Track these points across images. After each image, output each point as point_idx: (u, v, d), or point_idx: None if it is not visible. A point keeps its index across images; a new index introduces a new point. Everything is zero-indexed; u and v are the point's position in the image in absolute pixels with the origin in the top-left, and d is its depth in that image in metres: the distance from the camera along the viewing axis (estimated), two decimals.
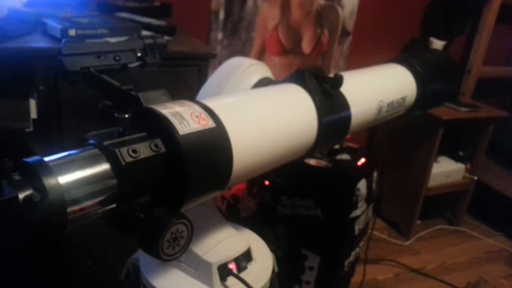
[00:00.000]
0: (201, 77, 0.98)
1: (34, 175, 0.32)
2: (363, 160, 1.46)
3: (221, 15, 1.61)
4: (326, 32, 1.90)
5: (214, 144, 0.42)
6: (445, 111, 1.97)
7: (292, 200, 1.44)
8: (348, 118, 0.63)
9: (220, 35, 1.64)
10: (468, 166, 2.26)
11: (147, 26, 1.02)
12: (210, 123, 0.43)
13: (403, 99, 0.80)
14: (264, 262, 0.59)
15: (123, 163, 0.36)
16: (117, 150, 0.36)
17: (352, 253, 1.55)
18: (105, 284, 1.07)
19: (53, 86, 0.84)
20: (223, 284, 0.52)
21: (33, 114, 0.79)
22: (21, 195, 0.31)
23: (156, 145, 0.39)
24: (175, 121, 0.40)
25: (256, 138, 0.48)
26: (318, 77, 0.59)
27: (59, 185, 0.33)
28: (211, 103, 0.46)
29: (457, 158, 2.27)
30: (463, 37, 2.33)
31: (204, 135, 0.41)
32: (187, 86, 0.95)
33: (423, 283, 1.88)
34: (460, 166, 2.23)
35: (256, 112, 0.50)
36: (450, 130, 1.99)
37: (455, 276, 1.93)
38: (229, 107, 0.47)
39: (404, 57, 0.88)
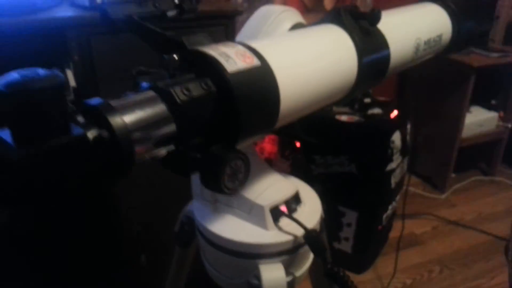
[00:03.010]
0: (228, 35, 0.98)
1: (99, 115, 0.33)
2: (395, 112, 1.44)
3: None
4: None
5: (261, 82, 0.42)
6: (476, 58, 1.90)
7: (326, 158, 1.44)
8: (387, 56, 0.62)
9: None
10: (501, 114, 2.19)
11: None
12: (256, 61, 0.43)
13: (439, 37, 0.78)
14: (312, 204, 0.60)
15: (179, 101, 0.37)
16: (172, 90, 0.37)
17: (390, 207, 1.55)
18: (152, 249, 1.11)
19: (87, 55, 0.86)
20: (276, 225, 0.54)
21: (72, 82, 0.81)
22: (90, 134, 0.33)
23: (206, 84, 0.39)
24: (222, 60, 0.40)
25: (300, 76, 0.48)
26: (354, 14, 0.58)
27: (125, 124, 0.34)
28: (253, 44, 0.46)
29: (489, 107, 2.21)
30: None
31: (251, 72, 0.41)
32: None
33: (461, 234, 1.87)
34: (493, 115, 2.17)
35: (298, 51, 0.49)
36: (481, 78, 1.93)
37: (493, 225, 1.91)
38: (271, 47, 0.47)
39: None
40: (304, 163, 1.49)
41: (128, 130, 0.34)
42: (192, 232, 0.63)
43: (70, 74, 0.82)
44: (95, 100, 0.35)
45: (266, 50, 0.45)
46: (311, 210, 0.58)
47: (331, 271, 0.51)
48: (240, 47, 0.43)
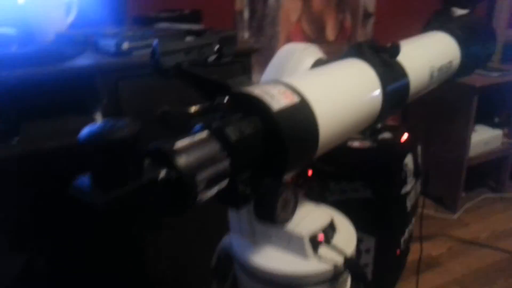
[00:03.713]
0: (246, 71, 1.02)
1: (165, 157, 0.36)
2: (406, 135, 1.47)
3: (246, 14, 1.65)
4: (348, 16, 1.91)
5: (303, 117, 0.45)
6: (477, 78, 1.95)
7: (340, 185, 1.45)
8: (407, 85, 0.65)
9: (246, 34, 1.68)
10: (506, 131, 2.23)
11: (188, 32, 1.07)
12: (296, 98, 0.46)
13: (450, 63, 0.82)
14: (347, 231, 0.61)
15: (233, 140, 0.39)
16: (226, 130, 0.40)
17: (406, 230, 1.55)
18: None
19: (115, 99, 0.89)
20: (316, 255, 0.55)
21: None
22: (160, 175, 0.35)
23: (255, 122, 0.42)
24: (267, 99, 0.43)
25: (334, 108, 0.51)
26: (374, 48, 0.61)
27: (189, 163, 0.36)
28: (289, 81, 0.49)
29: (493, 125, 2.24)
30: (484, 3, 2.30)
31: (293, 109, 0.44)
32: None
33: (477, 253, 1.87)
34: (497, 132, 2.20)
35: (330, 86, 0.53)
36: (483, 97, 1.97)
37: (508, 242, 1.91)
38: (306, 83, 0.50)
39: (440, 24, 0.89)
40: (318, 191, 1.50)
41: (192, 168, 0.36)
42: (230, 266, 0.64)
43: (99, 118, 0.86)
44: (158, 143, 0.37)
45: (302, 87, 0.48)
46: (347, 237, 0.60)
47: None
48: (280, 86, 0.46)
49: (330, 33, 1.89)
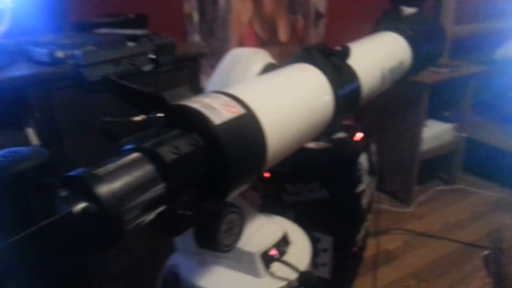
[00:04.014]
0: (194, 77, 0.97)
1: (84, 187, 0.31)
2: (360, 135, 1.47)
3: (195, 17, 1.59)
4: (300, 17, 1.90)
5: (249, 130, 0.42)
6: (427, 74, 1.99)
7: (297, 186, 1.44)
8: (358, 88, 0.63)
9: (197, 37, 1.63)
10: (456, 125, 2.30)
11: (131, 38, 1.00)
12: (240, 110, 0.42)
13: (401, 63, 0.81)
14: (301, 243, 0.59)
15: (168, 161, 0.35)
16: (159, 150, 0.35)
17: (362, 228, 1.56)
18: None
19: (49, 111, 0.82)
20: (268, 271, 0.52)
21: (34, 141, 0.76)
22: (76, 209, 0.30)
23: (194, 139, 0.38)
24: (208, 113, 0.39)
25: (283, 119, 0.47)
26: (324, 52, 0.59)
27: (113, 192, 0.31)
28: (233, 91, 0.45)
29: (444, 119, 2.31)
30: (431, 1, 2.36)
31: (237, 122, 0.41)
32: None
33: (432, 245, 1.92)
34: (448, 126, 2.27)
35: (278, 94, 0.49)
36: (433, 93, 2.02)
37: (460, 233, 1.97)
38: (252, 92, 0.47)
39: (390, 24, 0.88)
40: (275, 193, 1.48)
41: (117, 199, 0.32)
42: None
43: (31, 132, 0.78)
44: (77, 171, 0.32)
45: (248, 97, 0.44)
46: (301, 250, 0.57)
47: None
48: (223, 97, 0.42)
49: (283, 34, 1.87)
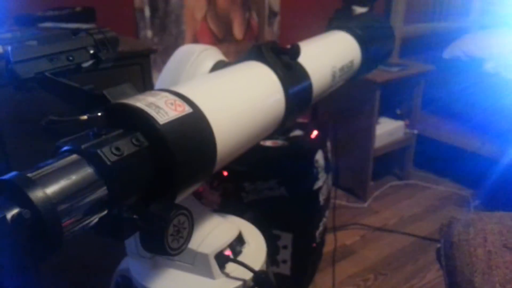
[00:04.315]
0: (145, 74, 0.95)
1: (17, 191, 0.29)
2: (315, 132, 1.49)
3: (147, 12, 1.56)
4: (254, 15, 1.90)
5: (196, 129, 0.41)
6: (378, 74, 2.05)
7: (255, 184, 1.44)
8: (310, 87, 0.63)
9: (149, 33, 1.59)
10: (407, 122, 2.38)
11: (76, 32, 0.96)
12: (187, 109, 0.41)
13: (351, 62, 0.82)
14: (257, 243, 0.58)
15: (109, 163, 0.34)
16: (99, 151, 0.34)
17: (321, 224, 1.59)
18: None
19: None
20: (223, 272, 0.51)
21: None
22: (9, 215, 0.28)
23: (137, 140, 0.37)
24: (152, 112, 0.38)
25: (233, 117, 0.47)
26: (275, 50, 0.59)
27: (48, 198, 0.30)
28: (180, 89, 0.44)
29: (395, 117, 2.39)
30: (382, 1, 2.43)
31: (184, 121, 0.40)
32: (133, 84, 0.91)
33: (388, 239, 1.97)
34: (399, 123, 2.35)
35: (227, 92, 0.48)
36: (385, 91, 2.09)
37: (415, 226, 2.04)
38: (200, 91, 0.46)
39: (341, 24, 0.90)
40: (234, 192, 1.47)
41: (53, 203, 0.30)
42: None
43: None
44: (9, 175, 0.30)
45: (195, 95, 0.43)
46: (256, 249, 0.57)
47: None
48: (169, 95, 0.41)
49: (238, 32, 1.86)
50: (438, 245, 0.88)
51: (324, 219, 1.64)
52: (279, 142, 1.44)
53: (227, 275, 0.51)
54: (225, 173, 1.52)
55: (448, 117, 2.43)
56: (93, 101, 0.40)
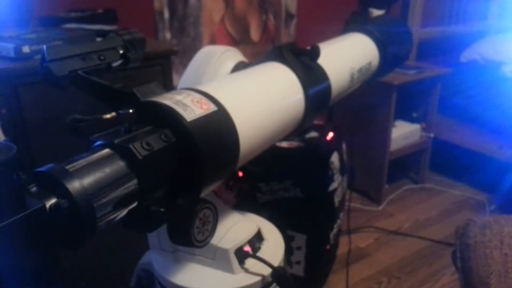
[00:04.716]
0: (166, 75, 0.97)
1: (54, 182, 0.31)
2: (331, 134, 1.50)
3: (166, 14, 1.59)
4: (271, 17, 1.91)
5: (221, 126, 0.42)
6: (395, 77, 2.05)
7: (270, 185, 1.45)
8: (328, 87, 0.64)
9: (168, 35, 1.62)
10: (423, 125, 2.37)
11: (99, 33, 0.99)
12: (212, 107, 0.42)
13: (369, 64, 0.83)
14: (275, 240, 0.59)
15: (140, 157, 0.35)
16: (131, 146, 0.35)
17: (335, 225, 1.59)
18: None
19: (16, 108, 0.80)
20: (242, 267, 0.53)
21: (1, 137, 0.74)
22: (47, 204, 0.30)
23: (166, 136, 0.38)
24: (179, 109, 0.40)
25: (255, 116, 0.48)
26: (295, 51, 0.60)
27: (84, 189, 0.31)
28: (205, 88, 0.45)
29: (412, 120, 2.38)
30: (399, 3, 2.43)
31: (209, 118, 0.41)
32: None
33: (402, 242, 1.96)
34: (416, 127, 2.33)
35: (250, 91, 0.50)
36: (401, 94, 2.08)
37: (430, 230, 2.03)
38: (224, 90, 0.47)
39: (358, 26, 0.91)
40: (249, 192, 1.49)
41: (88, 194, 0.32)
42: (151, 285, 0.60)
43: None
44: (48, 167, 0.32)
45: (220, 94, 0.45)
46: (275, 246, 0.58)
47: None
48: (195, 94, 0.43)
49: (254, 34, 1.88)
50: (454, 248, 0.88)
51: (339, 221, 1.64)
52: (294, 143, 1.45)
53: (246, 270, 0.52)
54: (241, 174, 1.54)
55: (465, 121, 2.40)
56: (122, 98, 0.42)
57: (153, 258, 0.56)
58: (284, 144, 1.44)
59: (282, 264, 0.57)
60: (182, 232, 0.37)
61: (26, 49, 0.83)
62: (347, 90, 0.76)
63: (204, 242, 0.38)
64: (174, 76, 1.27)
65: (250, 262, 0.53)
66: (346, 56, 0.75)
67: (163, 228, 0.53)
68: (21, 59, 0.82)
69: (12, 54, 0.83)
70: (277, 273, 0.51)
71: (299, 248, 1.52)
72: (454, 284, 1.68)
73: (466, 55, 2.65)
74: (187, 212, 0.36)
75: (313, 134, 1.52)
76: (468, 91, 2.45)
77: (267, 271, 0.52)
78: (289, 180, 1.42)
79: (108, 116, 0.43)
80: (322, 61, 0.64)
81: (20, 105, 0.80)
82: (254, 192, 1.48)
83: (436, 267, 1.79)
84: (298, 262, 1.55)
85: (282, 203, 1.46)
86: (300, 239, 1.50)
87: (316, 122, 1.64)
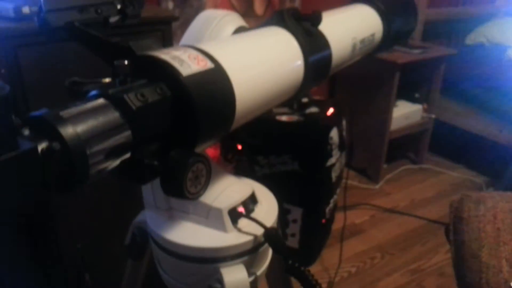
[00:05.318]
0: (165, 41, 0.96)
1: (47, 126, 0.31)
2: (331, 110, 1.49)
3: None
4: None
5: (217, 84, 0.42)
6: (399, 56, 2.03)
7: (269, 158, 1.46)
8: (329, 56, 0.64)
9: (171, 4, 1.59)
10: (425, 106, 2.36)
11: None
12: (209, 64, 0.42)
13: (373, 36, 0.82)
14: (269, 203, 0.60)
15: (134, 108, 0.35)
16: (125, 96, 0.35)
17: (331, 200, 1.60)
18: (97, 267, 1.06)
19: (15, 68, 0.80)
20: (235, 227, 0.53)
21: None
22: (39, 147, 0.30)
23: (161, 89, 0.38)
24: (176, 64, 0.39)
25: (253, 76, 0.48)
26: (296, 16, 0.59)
27: (77, 133, 0.32)
28: (203, 47, 0.45)
29: (414, 100, 2.36)
30: None
31: (206, 75, 0.41)
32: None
33: (397, 220, 1.99)
34: (417, 107, 2.32)
35: (248, 52, 0.50)
36: (404, 74, 2.06)
37: (425, 210, 2.05)
38: (222, 49, 0.47)
39: None
40: (247, 165, 1.50)
41: (81, 140, 0.32)
42: (145, 243, 0.61)
43: None
44: (41, 112, 0.32)
45: (217, 52, 0.45)
46: (268, 208, 0.59)
47: (292, 267, 0.52)
48: (192, 51, 0.43)
49: (258, 7, 1.85)
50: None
51: (335, 196, 1.65)
52: (294, 118, 1.45)
53: (239, 230, 0.53)
54: (239, 147, 1.54)
55: (467, 103, 2.39)
56: (118, 52, 0.41)
57: (147, 216, 0.56)
58: (284, 118, 1.44)
59: (275, 227, 0.57)
60: (174, 183, 0.37)
61: (26, 9, 0.82)
62: (348, 61, 0.76)
63: (196, 195, 0.39)
64: (175, 44, 1.26)
65: (243, 223, 0.54)
66: (349, 25, 0.74)
67: (158, 187, 0.54)
68: (20, 19, 0.82)
69: (11, 14, 0.82)
70: (269, 234, 0.52)
71: (294, 221, 1.53)
72: (447, 262, 1.70)
73: (472, 38, 2.62)
74: (181, 164, 0.37)
75: (313, 109, 1.51)
76: (472, 74, 2.43)
77: (259, 231, 0.53)
78: (288, 154, 1.43)
79: (107, 80, 0.43)
80: (324, 28, 0.63)
81: (20, 65, 0.80)
82: (252, 165, 1.49)
83: (430, 246, 1.81)
84: (293, 235, 1.57)
85: (279, 176, 1.47)
86: (296, 212, 1.51)
87: (317, 97, 1.63)
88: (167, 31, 0.97)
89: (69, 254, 1.00)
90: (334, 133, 1.46)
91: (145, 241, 0.59)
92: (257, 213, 0.56)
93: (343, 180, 1.71)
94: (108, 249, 0.99)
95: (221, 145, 1.62)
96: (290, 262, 0.52)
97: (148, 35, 0.96)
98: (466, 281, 0.74)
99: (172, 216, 0.55)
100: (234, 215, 0.53)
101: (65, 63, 0.83)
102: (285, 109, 1.48)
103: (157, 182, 0.53)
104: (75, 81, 0.45)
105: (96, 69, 0.43)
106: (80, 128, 0.33)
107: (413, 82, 2.36)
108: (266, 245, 0.54)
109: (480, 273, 0.71)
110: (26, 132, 0.32)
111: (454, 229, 0.80)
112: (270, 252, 0.59)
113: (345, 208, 1.77)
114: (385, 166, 2.32)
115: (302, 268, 0.52)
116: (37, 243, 0.90)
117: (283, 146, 1.44)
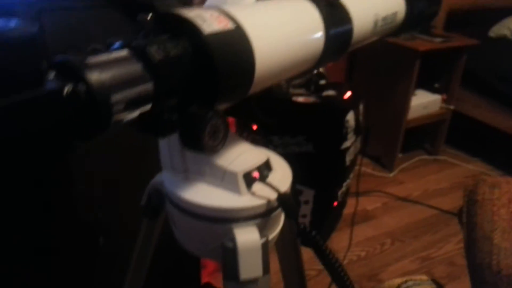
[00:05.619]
0: (186, 2, 0.96)
1: (73, 70, 0.32)
2: (349, 93, 1.49)
3: None
4: None
5: (237, 44, 0.43)
6: (420, 43, 2.00)
7: (284, 139, 1.46)
8: (350, 29, 0.64)
9: None
10: (444, 96, 2.33)
11: None
12: (230, 25, 0.43)
13: (395, 14, 0.81)
14: (283, 171, 0.61)
15: (155, 60, 0.36)
16: (148, 48, 0.36)
17: (344, 184, 1.61)
18: (111, 231, 1.09)
19: (39, 32, 0.81)
20: (250, 191, 0.54)
21: None
22: (64, 90, 0.31)
23: (183, 45, 0.39)
24: (199, 21, 0.40)
25: (273, 40, 0.48)
26: None
27: (101, 79, 0.33)
28: (226, 8, 0.46)
29: (433, 90, 2.33)
30: None
31: (227, 34, 0.42)
32: None
33: (410, 209, 1.98)
34: (436, 97, 2.29)
35: (270, 17, 0.50)
36: (425, 62, 2.03)
37: (438, 200, 2.04)
38: (244, 12, 0.47)
39: None
40: (262, 145, 1.50)
41: (106, 85, 0.33)
42: (161, 203, 0.62)
43: None
44: (68, 56, 0.33)
45: (239, 14, 0.45)
46: (282, 176, 0.60)
47: (303, 231, 0.52)
48: (214, 11, 0.43)
49: None
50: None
51: (348, 180, 1.65)
52: (311, 99, 1.45)
53: (253, 194, 0.54)
54: (255, 127, 1.55)
55: (487, 96, 2.35)
56: (141, 10, 0.42)
57: (165, 177, 0.58)
58: (301, 99, 1.44)
59: (288, 193, 0.58)
60: (194, 137, 0.38)
61: None
62: (368, 38, 0.75)
63: (214, 148, 0.40)
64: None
65: (257, 187, 0.55)
66: (372, 0, 0.74)
67: (175, 148, 0.55)
68: None
69: None
70: (283, 198, 0.53)
71: (306, 202, 1.54)
72: (457, 252, 1.70)
73: (495, 30, 2.56)
74: (200, 117, 0.38)
75: (330, 92, 1.51)
76: (493, 67, 2.38)
77: (273, 196, 0.54)
78: (303, 135, 1.43)
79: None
80: (347, 1, 0.63)
81: (43, 29, 0.81)
82: (266, 145, 1.50)
83: (441, 235, 1.81)
84: (304, 216, 1.58)
85: (293, 157, 1.45)
86: (308, 194, 1.52)
87: (335, 80, 1.62)
88: None
89: (87, 215, 1.02)
90: (350, 117, 1.45)
91: (161, 201, 0.61)
92: (272, 179, 0.57)
93: (357, 167, 1.71)
94: (123, 214, 1.02)
95: (236, 124, 1.63)
96: (302, 226, 0.53)
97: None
98: (476, 262, 0.74)
99: (188, 178, 0.56)
100: (249, 179, 0.54)
101: (88, 29, 0.84)
102: (302, 91, 1.48)
103: (174, 143, 0.54)
104: (95, 49, 0.46)
105: (118, 36, 0.44)
106: (104, 75, 0.34)
107: (433, 72, 2.32)
108: (279, 210, 0.55)
109: (491, 255, 0.71)
110: (52, 75, 0.33)
111: (468, 211, 0.80)
112: (282, 218, 0.60)
113: (357, 194, 1.77)
114: (400, 155, 2.31)
115: (313, 233, 0.53)
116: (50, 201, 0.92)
117: (299, 127, 1.44)
